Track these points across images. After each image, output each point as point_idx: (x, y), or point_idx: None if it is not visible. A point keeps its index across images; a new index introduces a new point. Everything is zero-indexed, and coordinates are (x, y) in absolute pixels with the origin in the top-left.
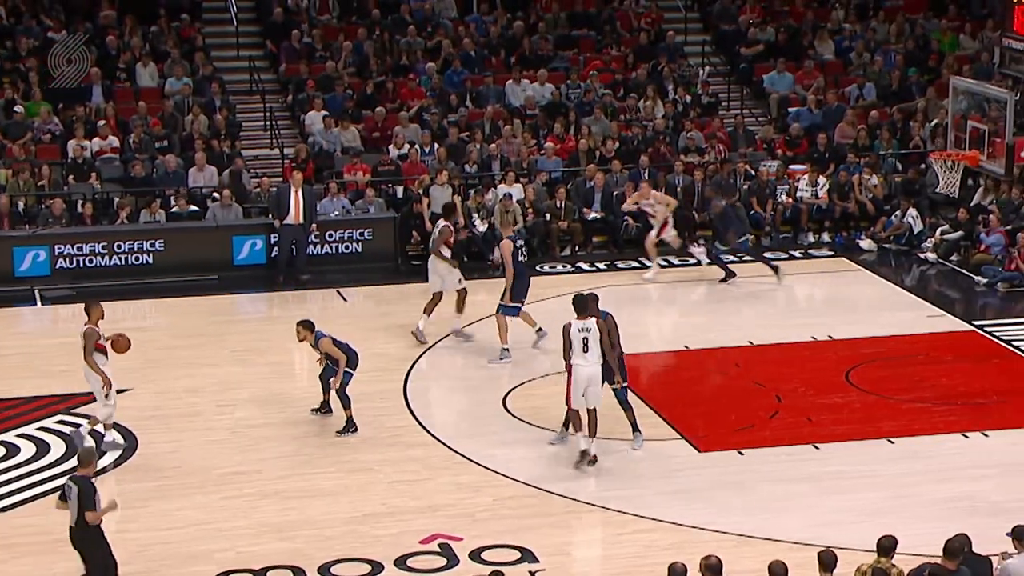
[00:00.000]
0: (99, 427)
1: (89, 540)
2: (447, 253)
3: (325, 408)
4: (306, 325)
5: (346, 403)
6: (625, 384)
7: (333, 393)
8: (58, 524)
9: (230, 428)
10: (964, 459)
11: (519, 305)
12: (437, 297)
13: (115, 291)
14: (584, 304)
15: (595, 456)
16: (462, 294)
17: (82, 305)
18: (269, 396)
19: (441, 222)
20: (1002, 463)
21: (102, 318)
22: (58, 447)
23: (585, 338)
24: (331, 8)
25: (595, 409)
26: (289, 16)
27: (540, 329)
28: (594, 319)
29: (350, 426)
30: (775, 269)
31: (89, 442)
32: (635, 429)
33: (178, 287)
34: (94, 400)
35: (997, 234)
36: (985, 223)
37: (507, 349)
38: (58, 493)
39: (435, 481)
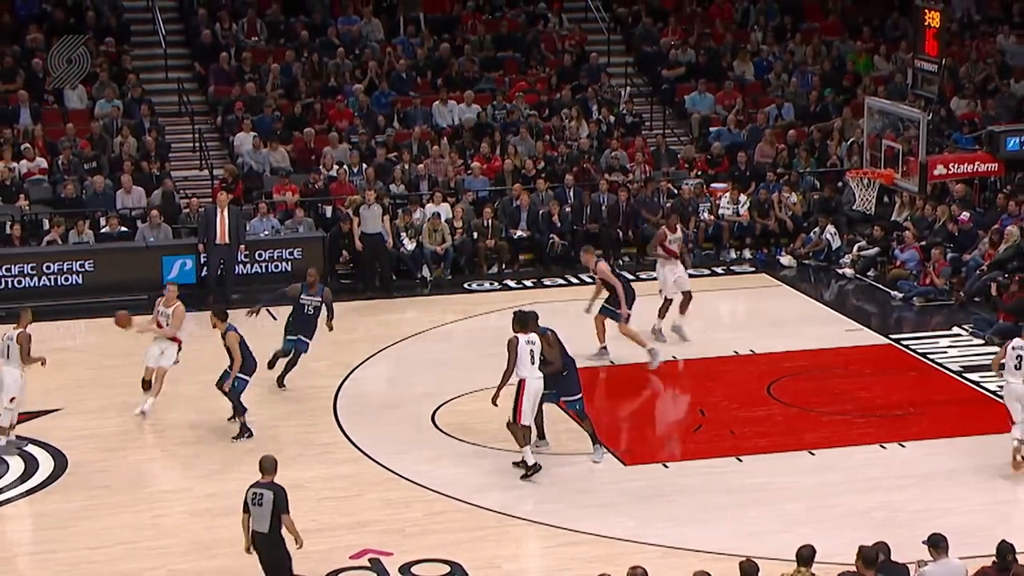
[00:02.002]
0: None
1: (278, 544)
2: (664, 252)
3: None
4: (220, 315)
5: (241, 410)
6: (580, 395)
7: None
8: None
9: (160, 447)
10: (882, 470)
11: (629, 313)
12: (667, 302)
13: (45, 312)
14: (525, 320)
15: (536, 464)
16: (686, 296)
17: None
18: (199, 415)
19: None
20: (919, 473)
21: (31, 322)
22: None
23: (532, 351)
24: (259, 31)
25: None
26: (217, 39)
27: (604, 348)
28: (535, 333)
29: (244, 432)
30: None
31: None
32: (595, 441)
33: (108, 307)
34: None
35: (912, 250)
36: (900, 239)
37: (651, 349)
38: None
39: (365, 497)
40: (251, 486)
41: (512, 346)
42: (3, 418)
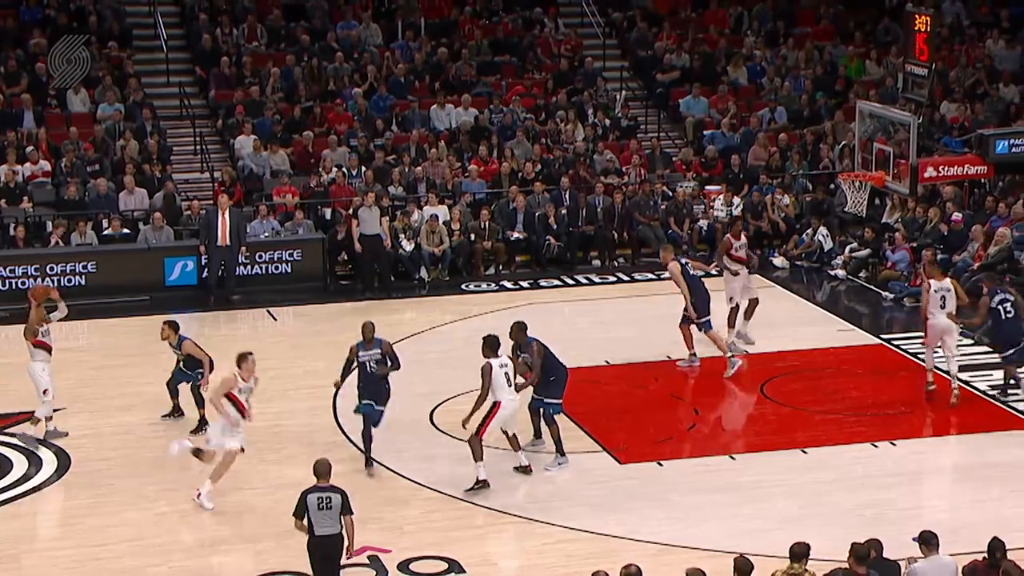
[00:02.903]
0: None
1: (341, 545)
2: (729, 263)
3: (177, 412)
4: (172, 325)
5: (200, 402)
6: (559, 402)
7: (190, 395)
8: None
9: (163, 446)
10: (873, 468)
11: (709, 317)
12: (735, 310)
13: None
14: (495, 344)
15: (529, 465)
16: (752, 303)
17: (15, 328)
18: (199, 414)
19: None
20: (909, 471)
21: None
22: None
23: (506, 373)
24: (259, 36)
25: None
26: (218, 43)
27: (694, 355)
28: (506, 355)
29: (203, 424)
30: None
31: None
32: (559, 451)
33: (110, 308)
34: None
35: (902, 251)
36: (891, 241)
37: (731, 355)
38: (294, 510)
39: (364, 495)
40: (310, 491)
41: (486, 373)
42: (42, 410)
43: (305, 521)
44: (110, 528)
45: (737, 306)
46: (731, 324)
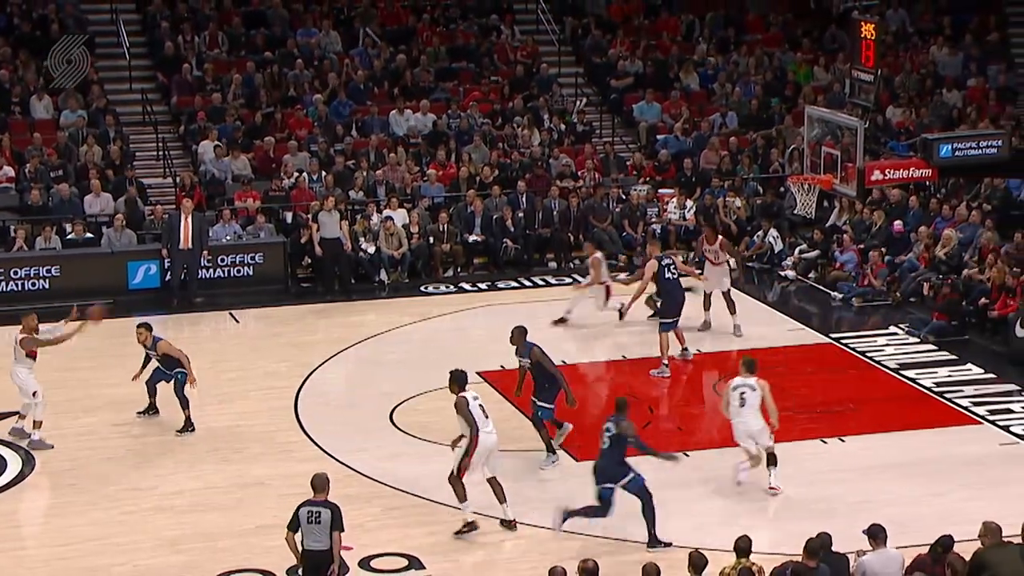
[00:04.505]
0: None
1: (330, 561)
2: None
3: (152, 410)
4: (146, 327)
5: (184, 404)
6: (551, 407)
7: (170, 395)
8: None
9: (126, 446)
10: (823, 463)
11: (675, 319)
12: (707, 296)
13: (11, 316)
14: (463, 378)
15: (514, 520)
16: (727, 295)
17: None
18: (164, 415)
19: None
20: (857, 467)
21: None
22: None
23: (481, 405)
24: (220, 43)
25: (495, 476)
26: (180, 50)
27: (686, 349)
28: (473, 392)
29: (188, 426)
30: None
31: (39, 444)
32: (549, 449)
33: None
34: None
35: (850, 252)
36: (839, 242)
37: (666, 364)
38: (288, 523)
39: None
40: (304, 504)
41: (463, 407)
42: (37, 411)
43: (298, 535)
44: (75, 528)
45: (707, 295)
46: (706, 308)
